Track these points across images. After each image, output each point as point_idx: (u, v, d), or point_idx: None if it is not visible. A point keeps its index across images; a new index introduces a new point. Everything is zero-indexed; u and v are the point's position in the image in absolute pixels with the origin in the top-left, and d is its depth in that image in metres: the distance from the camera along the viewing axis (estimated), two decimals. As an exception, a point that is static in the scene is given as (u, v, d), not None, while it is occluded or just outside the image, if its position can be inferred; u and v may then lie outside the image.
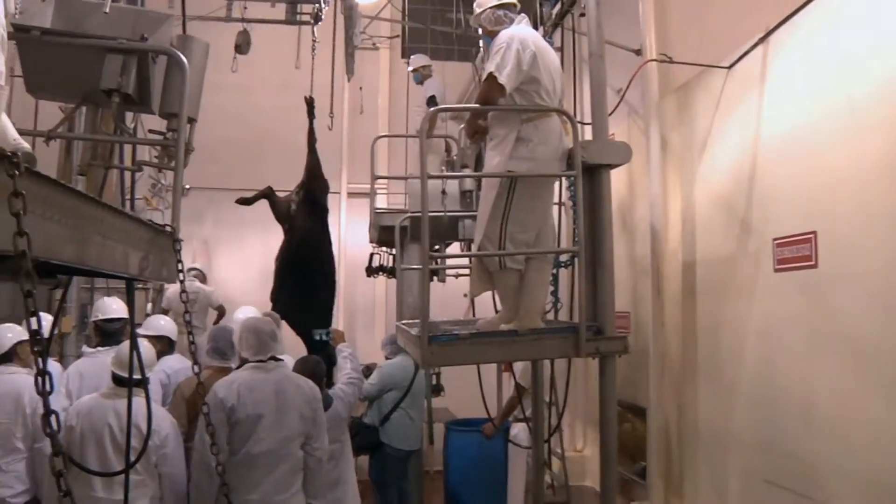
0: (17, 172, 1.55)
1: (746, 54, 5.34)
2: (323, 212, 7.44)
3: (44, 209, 1.83)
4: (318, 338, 6.03)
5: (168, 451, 4.42)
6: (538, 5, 5.93)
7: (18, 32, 2.89)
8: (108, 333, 5.51)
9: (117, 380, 4.44)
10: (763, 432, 5.03)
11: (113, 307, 5.66)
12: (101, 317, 5.65)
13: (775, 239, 4.87)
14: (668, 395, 6.47)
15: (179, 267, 3.03)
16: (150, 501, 4.36)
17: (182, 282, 3.09)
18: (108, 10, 3.31)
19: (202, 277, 10.53)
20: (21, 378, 4.78)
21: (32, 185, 1.72)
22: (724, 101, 5.74)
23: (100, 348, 5.49)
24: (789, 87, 4.85)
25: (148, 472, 4.34)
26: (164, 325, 6.10)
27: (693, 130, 6.22)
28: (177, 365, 5.78)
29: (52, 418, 1.60)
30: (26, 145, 2.55)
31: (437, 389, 7.71)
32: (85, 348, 5.83)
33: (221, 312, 9.74)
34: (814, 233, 4.46)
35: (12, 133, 2.53)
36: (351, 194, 11.52)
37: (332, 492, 5.09)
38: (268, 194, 7.79)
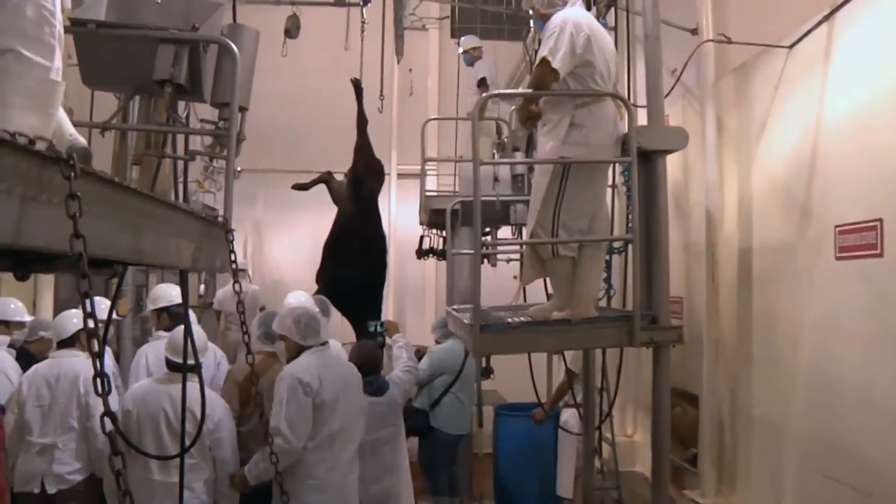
0: (73, 174, 1.55)
1: (809, 33, 5.15)
2: (371, 195, 7.42)
3: (99, 208, 1.83)
4: (372, 329, 6.06)
5: (221, 436, 4.49)
6: (591, -15, 5.78)
7: (75, 27, 2.91)
8: (177, 316, 5.60)
9: (171, 365, 4.52)
10: (821, 424, 4.90)
11: (173, 293, 5.79)
12: (164, 304, 5.82)
13: (837, 226, 4.72)
14: (722, 382, 6.36)
15: (232, 258, 3.04)
16: (205, 484, 4.43)
17: (235, 272, 3.10)
18: (160, 1, 3.32)
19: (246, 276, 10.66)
20: (80, 362, 4.92)
21: (88, 185, 1.72)
22: (784, 82, 5.57)
23: (163, 332, 5.65)
24: (856, 68, 4.67)
25: (202, 456, 4.41)
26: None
27: (751, 113, 6.06)
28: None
29: (108, 420, 1.61)
30: (82, 140, 2.57)
31: (486, 372, 7.68)
32: (156, 332, 5.95)
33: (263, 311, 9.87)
34: (880, 220, 4.30)
35: (69, 128, 2.55)
36: (401, 175, 11.51)
37: (389, 476, 5.14)
38: (325, 179, 7.82)
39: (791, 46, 5.40)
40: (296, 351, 4.62)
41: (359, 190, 7.38)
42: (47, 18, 2.19)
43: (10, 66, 2.15)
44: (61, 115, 2.47)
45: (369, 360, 5.33)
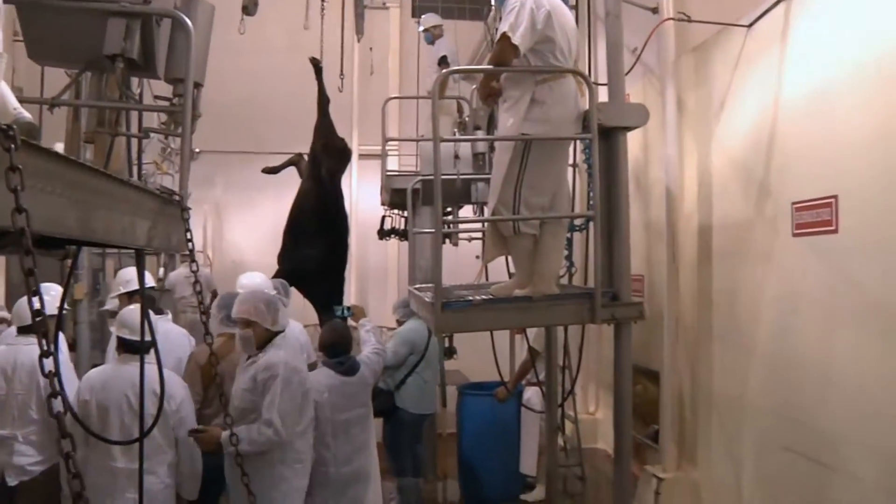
0: (13, 146, 1.48)
1: (767, 12, 5.19)
2: (329, 174, 7.34)
3: (45, 183, 1.77)
4: (339, 313, 6.00)
5: (183, 415, 4.43)
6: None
7: (17, -3, 2.82)
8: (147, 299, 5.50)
9: (127, 345, 4.42)
10: (779, 399, 4.98)
11: (133, 275, 5.66)
12: (122, 290, 5.72)
13: (794, 203, 4.78)
14: (682, 359, 6.43)
15: (188, 236, 2.98)
16: (168, 468, 4.37)
17: (191, 251, 3.04)
18: (110, -28, 3.22)
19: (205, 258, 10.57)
20: (37, 350, 4.76)
21: (31, 158, 1.66)
22: (743, 60, 5.61)
23: None
24: (813, 47, 4.71)
25: (166, 439, 4.34)
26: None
27: (710, 91, 6.10)
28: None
29: (59, 400, 1.56)
30: (27, 115, 2.49)
31: (449, 352, 7.68)
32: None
33: (215, 295, 9.74)
34: (834, 197, 4.36)
35: (12, 102, 2.47)
36: (362, 156, 11.41)
37: (359, 456, 5.12)
38: (295, 161, 7.72)
39: (750, 25, 5.44)
40: (266, 337, 4.48)
41: (317, 170, 7.31)
42: (-14, -12, 2.11)
43: (-53, 36, 2.07)
44: (4, 88, 2.39)
45: (341, 341, 5.28)
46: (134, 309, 4.65)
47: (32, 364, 4.59)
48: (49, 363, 1.56)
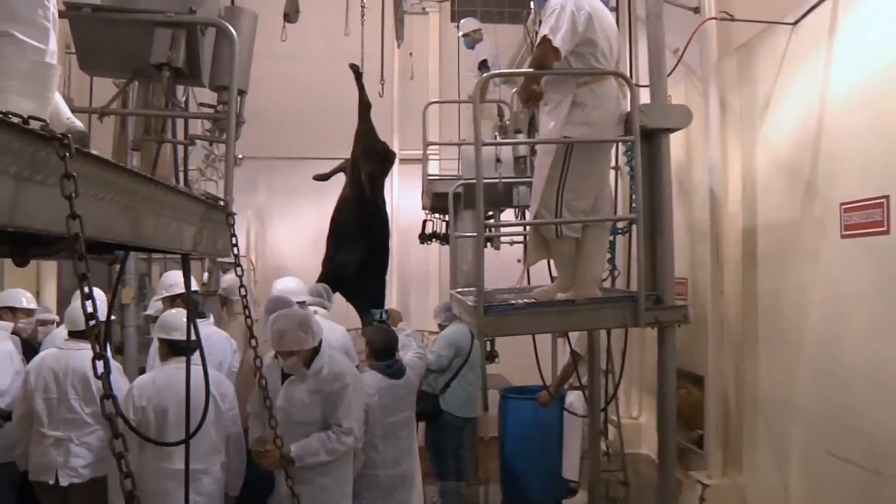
0: (67, 154, 1.52)
1: (813, 9, 5.10)
2: (370, 179, 7.42)
3: (96, 189, 1.81)
4: (377, 318, 6.07)
5: (234, 414, 4.54)
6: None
7: (70, 11, 2.88)
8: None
9: (173, 346, 4.51)
10: (827, 403, 4.88)
11: (180, 280, 5.77)
12: (179, 291, 5.83)
13: (843, 203, 4.68)
14: (727, 363, 6.34)
15: (234, 241, 3.02)
16: (221, 467, 4.47)
17: (236, 256, 3.08)
18: (157, -17, 3.29)
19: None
20: (89, 354, 4.87)
21: (84, 165, 1.70)
22: (788, 59, 5.51)
23: None
24: (861, 43, 4.61)
25: (220, 439, 4.45)
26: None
27: (754, 91, 6.01)
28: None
29: (110, 402, 1.59)
30: (80, 124, 2.55)
31: (491, 356, 7.67)
32: None
33: None
34: (886, 197, 4.26)
35: (65, 112, 2.53)
36: (403, 160, 11.44)
37: (405, 459, 5.19)
38: (344, 168, 7.82)
39: (795, 23, 5.35)
40: (311, 355, 4.43)
41: (357, 175, 7.41)
42: (41, 0, 2.17)
43: (3, 49, 2.12)
44: (57, 99, 2.44)
45: (388, 344, 5.36)
46: (176, 312, 4.74)
47: (84, 368, 4.70)
48: (101, 366, 1.60)
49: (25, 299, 5.88)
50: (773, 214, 5.71)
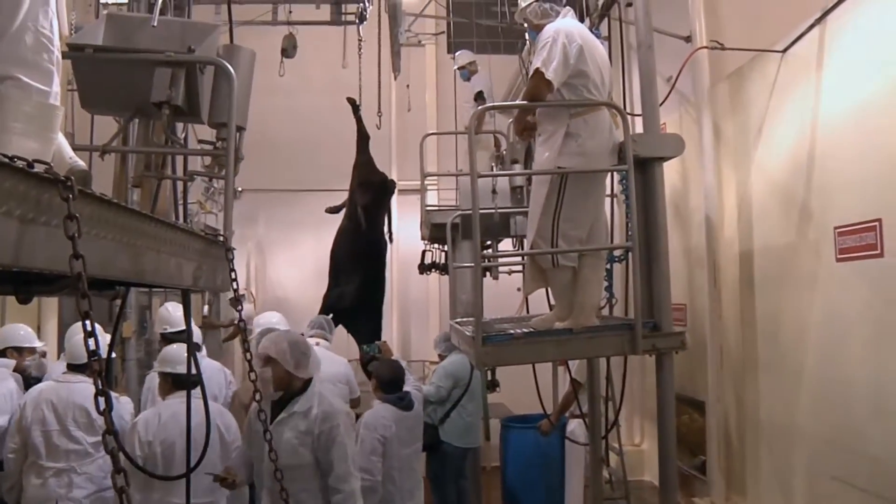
0: (71, 196, 1.56)
1: (802, 37, 5.20)
2: (365, 211, 7.50)
3: (98, 228, 1.85)
4: (368, 352, 6.13)
5: (239, 444, 4.54)
6: (583, -4, 5.84)
7: (73, 52, 2.95)
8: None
9: (175, 379, 4.53)
10: (830, 427, 4.89)
11: (177, 315, 5.78)
12: (168, 329, 5.77)
13: (837, 227, 4.74)
14: (728, 388, 6.35)
15: (233, 276, 3.06)
16: (227, 501, 4.47)
17: (236, 290, 3.11)
18: (155, 24, 3.36)
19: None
20: (91, 388, 4.88)
21: (87, 206, 1.74)
22: (779, 86, 5.60)
23: None
24: (850, 69, 4.70)
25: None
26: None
27: (747, 117, 6.09)
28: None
29: (112, 437, 1.62)
30: (82, 163, 2.60)
31: (492, 385, 7.68)
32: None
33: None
34: (879, 220, 4.31)
35: (68, 151, 2.58)
36: (402, 191, 11.48)
37: (418, 490, 5.33)
38: None
39: (784, 51, 5.45)
40: (286, 380, 4.18)
41: (353, 206, 7.50)
42: (46, 45, 2.23)
43: (9, 92, 2.18)
44: (60, 138, 2.49)
45: (395, 376, 5.39)
46: (177, 347, 4.76)
47: (85, 400, 4.72)
48: (103, 402, 1.63)
49: (30, 337, 5.90)
50: (769, 239, 5.76)
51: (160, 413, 4.48)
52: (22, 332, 5.89)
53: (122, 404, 5.25)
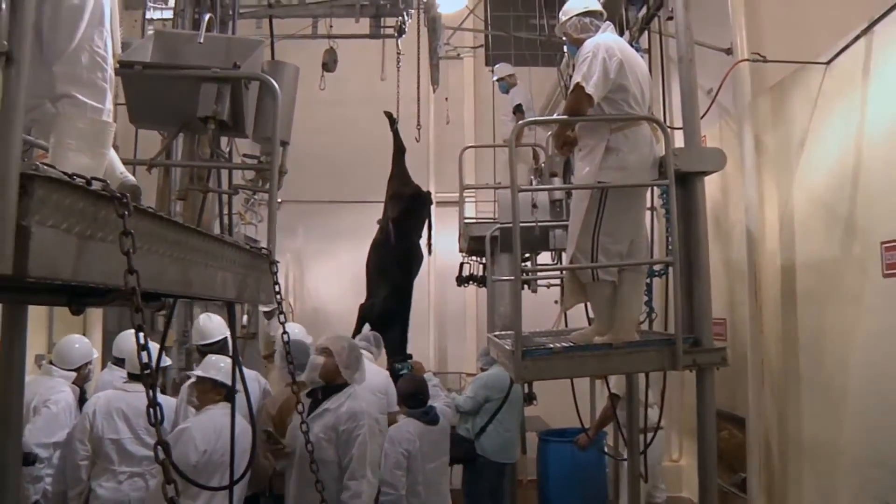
0: (126, 212, 1.61)
1: (847, 48, 5.12)
2: (396, 224, 7.58)
3: (150, 243, 1.90)
4: (401, 371, 6.18)
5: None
6: (623, 10, 5.82)
7: (123, 69, 3.03)
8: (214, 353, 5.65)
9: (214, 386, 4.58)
10: (875, 446, 4.79)
11: (210, 327, 5.83)
12: (200, 342, 5.83)
13: (884, 242, 4.65)
14: (769, 404, 6.26)
15: (277, 289, 3.10)
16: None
17: (279, 302, 3.16)
18: (202, 41, 3.44)
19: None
20: (159, 396, 4.99)
21: (140, 221, 1.79)
22: (822, 98, 5.53)
23: None
24: (896, 82, 4.62)
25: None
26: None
27: (789, 130, 6.02)
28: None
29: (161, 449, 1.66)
30: (132, 178, 2.66)
31: (529, 398, 7.66)
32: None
33: None
34: (927, 236, 4.24)
35: (119, 166, 2.64)
36: (440, 203, 11.56)
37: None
38: None
39: (829, 62, 5.37)
40: (333, 374, 4.50)
41: (385, 218, 7.59)
42: (100, 64, 2.31)
43: (66, 109, 2.26)
44: (111, 154, 2.56)
45: (417, 390, 5.43)
46: (217, 357, 4.83)
47: (141, 411, 4.79)
48: (156, 413, 1.67)
49: (92, 350, 6.00)
50: (813, 254, 5.68)
51: (216, 425, 4.53)
52: (77, 346, 5.92)
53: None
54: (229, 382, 4.43)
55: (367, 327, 7.02)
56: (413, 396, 5.37)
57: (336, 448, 4.26)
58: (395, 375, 6.46)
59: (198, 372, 4.65)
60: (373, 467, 4.28)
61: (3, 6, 1.46)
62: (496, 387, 6.83)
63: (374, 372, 5.85)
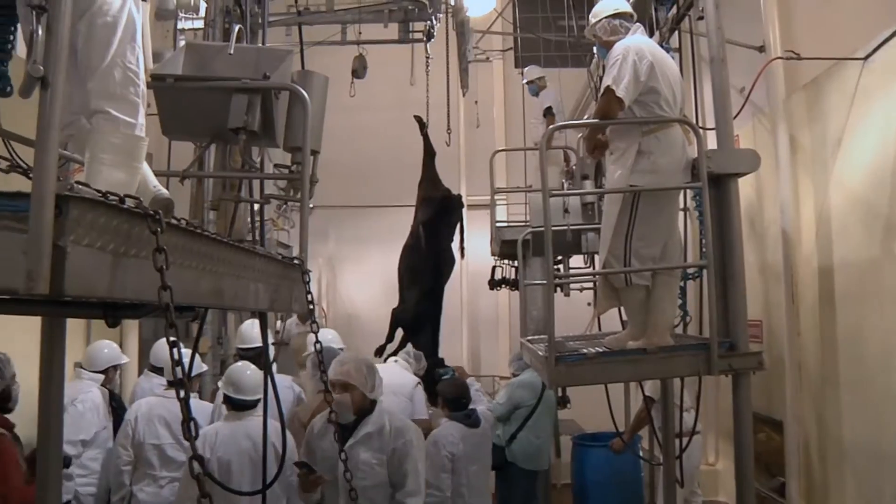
0: (159, 229, 1.62)
1: (885, 43, 5.02)
2: (425, 227, 7.60)
3: (183, 258, 1.91)
4: (444, 376, 6.22)
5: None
6: (653, 10, 5.77)
7: (155, 81, 3.06)
8: (250, 359, 5.69)
9: (234, 403, 4.60)
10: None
11: (252, 334, 5.88)
12: (244, 346, 5.89)
13: (924, 241, 4.56)
14: (807, 407, 6.16)
15: (309, 298, 3.12)
16: None
17: (312, 312, 3.17)
18: (232, 52, 3.47)
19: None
20: (197, 403, 5.30)
21: (173, 237, 1.80)
22: (860, 94, 5.43)
23: None
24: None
25: (283, 490, 4.49)
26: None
27: (825, 128, 5.92)
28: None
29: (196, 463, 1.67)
30: (165, 192, 2.69)
31: (563, 402, 7.61)
32: None
33: None
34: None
35: (152, 180, 2.68)
36: (471, 206, 11.55)
37: None
38: None
39: (866, 58, 5.27)
40: (363, 404, 4.20)
41: (415, 222, 7.62)
42: (132, 79, 2.34)
43: (100, 125, 2.30)
44: (144, 167, 2.60)
45: (459, 394, 5.52)
46: (241, 365, 4.86)
47: (195, 414, 4.86)
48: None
49: (121, 356, 6.12)
50: (851, 254, 5.58)
51: (221, 432, 4.57)
52: (105, 351, 6.05)
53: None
54: (249, 397, 4.49)
55: (409, 345, 6.99)
56: (456, 400, 5.45)
57: (387, 468, 4.11)
58: (438, 380, 6.49)
59: (222, 391, 4.70)
60: (422, 479, 4.21)
61: (40, 31, 1.49)
62: (527, 393, 6.80)
63: (401, 375, 5.94)
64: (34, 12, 1.51)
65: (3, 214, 1.38)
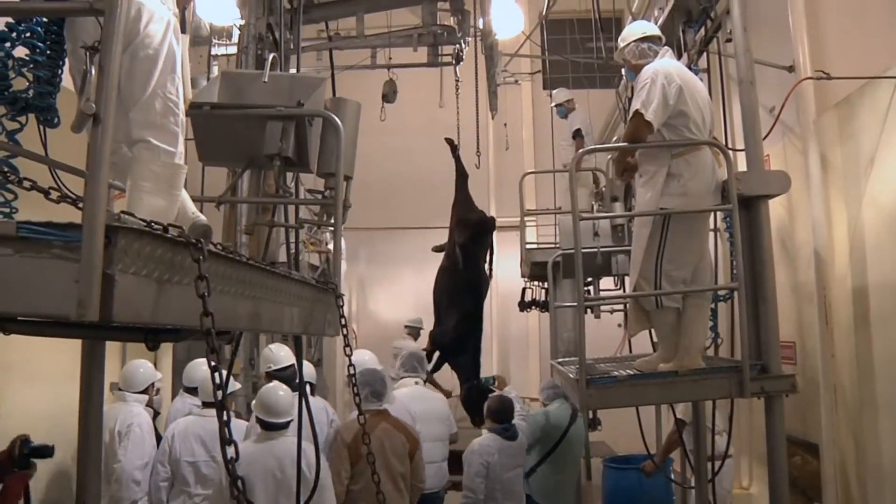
0: (201, 258, 1.68)
1: (919, 61, 4.99)
2: (462, 249, 7.63)
3: (223, 284, 1.97)
4: (485, 383, 6.53)
5: (325, 484, 4.57)
6: (681, 33, 5.79)
7: (193, 110, 3.15)
8: (283, 380, 5.75)
9: (266, 425, 4.64)
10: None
11: (281, 355, 5.96)
12: (272, 367, 5.94)
13: (960, 262, 4.50)
14: (843, 430, 6.06)
15: (342, 322, 3.16)
16: None
17: (346, 336, 3.21)
18: (266, 80, 3.55)
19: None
20: (234, 422, 5.19)
21: (213, 264, 1.86)
22: (892, 113, 5.38)
23: None
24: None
25: None
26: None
27: (858, 147, 5.87)
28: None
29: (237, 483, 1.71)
30: (203, 218, 2.76)
31: (593, 424, 7.56)
32: None
33: None
34: None
35: (190, 207, 2.75)
36: (501, 227, 11.57)
37: None
38: None
39: (899, 76, 5.24)
40: None
41: (451, 244, 7.65)
42: (172, 109, 2.42)
43: (141, 153, 2.38)
44: (183, 194, 2.67)
45: (503, 408, 6.01)
46: (273, 387, 4.90)
47: (214, 436, 4.94)
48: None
49: (156, 373, 6.22)
50: (886, 274, 5.51)
51: (247, 450, 4.59)
52: (141, 371, 6.15)
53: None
54: (280, 420, 4.53)
55: (404, 351, 6.95)
56: (500, 412, 5.97)
57: None
58: (483, 390, 6.94)
59: (255, 413, 4.74)
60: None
61: (93, 71, 1.55)
62: (550, 426, 6.60)
63: (430, 398, 6.29)
64: (87, 53, 1.58)
65: (55, 244, 1.44)
